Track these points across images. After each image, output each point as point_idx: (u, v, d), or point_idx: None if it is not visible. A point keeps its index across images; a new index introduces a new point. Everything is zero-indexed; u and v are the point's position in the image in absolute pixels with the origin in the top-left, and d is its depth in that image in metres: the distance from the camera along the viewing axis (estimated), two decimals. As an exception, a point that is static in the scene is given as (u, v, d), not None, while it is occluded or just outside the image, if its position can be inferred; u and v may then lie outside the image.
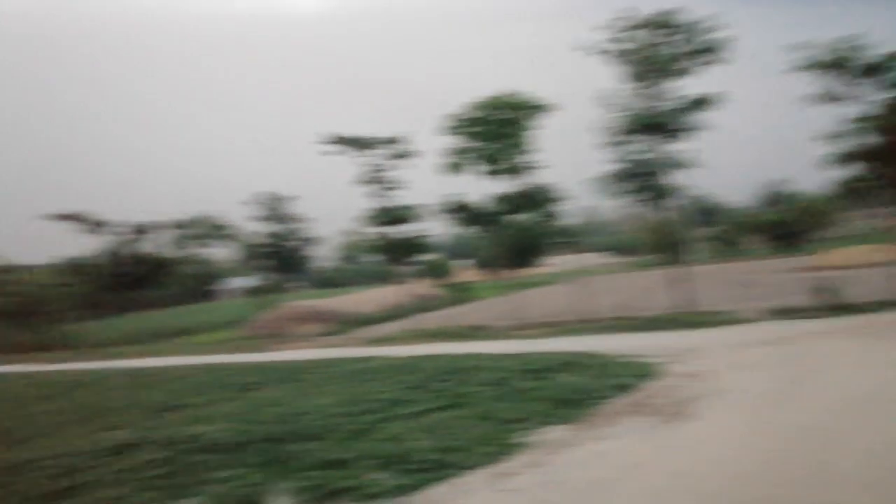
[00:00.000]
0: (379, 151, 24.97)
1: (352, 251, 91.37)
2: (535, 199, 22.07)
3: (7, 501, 6.68)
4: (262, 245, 26.78)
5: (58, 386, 16.33)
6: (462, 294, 32.00)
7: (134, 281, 29.77)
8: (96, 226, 29.85)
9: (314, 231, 29.03)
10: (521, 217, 22.98)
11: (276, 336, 23.86)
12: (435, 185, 24.21)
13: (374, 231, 25.81)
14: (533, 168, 21.95)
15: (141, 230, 30.01)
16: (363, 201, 25.16)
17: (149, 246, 31.00)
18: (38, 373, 21.53)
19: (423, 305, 27.79)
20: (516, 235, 24.20)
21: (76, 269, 32.54)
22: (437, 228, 27.00)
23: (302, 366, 14.69)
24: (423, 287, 30.08)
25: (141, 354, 23.57)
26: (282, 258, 26.28)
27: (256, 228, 28.65)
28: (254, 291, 35.83)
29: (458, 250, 65.00)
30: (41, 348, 32.62)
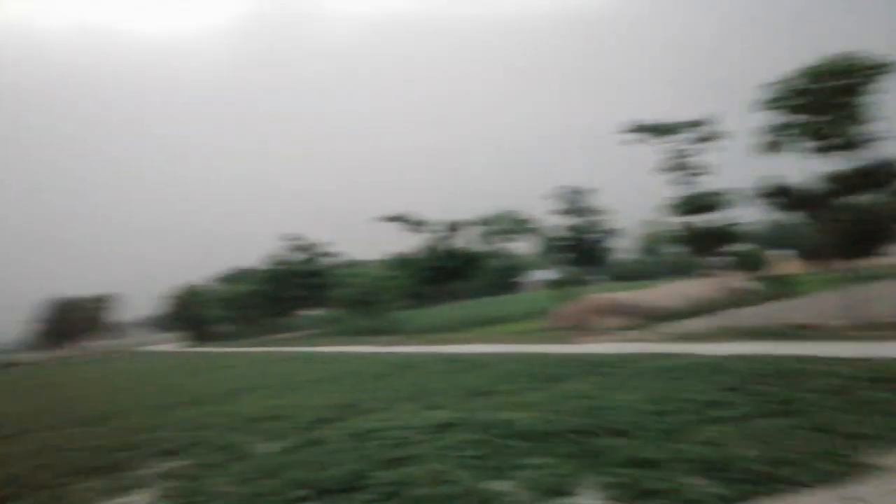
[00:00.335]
0: (682, 136, 23.48)
1: (653, 243, 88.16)
2: (876, 177, 18.57)
3: (356, 464, 7.63)
4: (562, 238, 27.10)
5: (390, 366, 18.55)
6: (782, 288, 28.53)
7: (448, 273, 32.61)
8: (417, 225, 33.32)
9: (614, 223, 28.53)
10: (859, 199, 19.55)
11: (577, 328, 23.98)
12: (747, 168, 21.93)
13: (678, 221, 24.36)
14: (874, 140, 18.49)
15: (454, 227, 32.71)
16: (665, 190, 23.95)
17: (460, 241, 33.65)
18: (374, 354, 24.80)
19: (735, 300, 25.38)
20: (852, 220, 20.66)
21: (402, 263, 36.77)
22: (751, 215, 24.45)
23: (606, 359, 14.43)
24: (735, 280, 27.47)
25: (455, 341, 25.66)
26: (582, 251, 26.31)
27: (557, 222, 29.13)
28: (555, 283, 36.60)
29: (776, 239, 58.30)
30: (374, 332, 37.65)
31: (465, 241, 34.54)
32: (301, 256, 43.88)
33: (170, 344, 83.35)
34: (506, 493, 6.36)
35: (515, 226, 44.34)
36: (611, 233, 28.16)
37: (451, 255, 32.91)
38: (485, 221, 41.96)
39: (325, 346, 34.52)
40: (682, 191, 23.34)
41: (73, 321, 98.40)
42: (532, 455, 7.55)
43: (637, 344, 17.74)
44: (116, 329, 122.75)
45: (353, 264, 46.04)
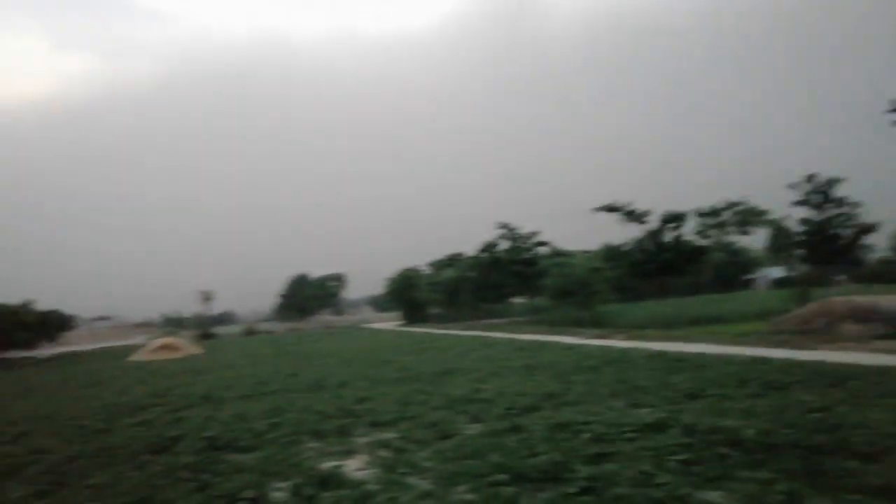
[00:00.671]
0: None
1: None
2: None
3: (557, 455, 7.55)
4: (800, 232, 24.16)
5: (594, 359, 18.12)
6: None
7: (662, 267, 30.94)
8: (632, 216, 32.04)
9: (865, 217, 24.76)
10: None
11: (808, 333, 21.39)
12: None
13: None
14: None
15: (672, 219, 30.90)
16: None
17: (680, 234, 31.64)
18: (579, 346, 24.42)
19: None
20: None
21: (612, 255, 35.73)
22: None
23: (845, 370, 12.70)
24: None
25: (666, 339, 24.32)
26: (823, 247, 23.23)
27: (796, 214, 25.97)
28: (785, 282, 33.04)
29: None
30: (580, 324, 37.07)
31: (685, 234, 32.40)
32: (511, 245, 44.52)
33: (386, 322, 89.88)
34: (716, 505, 5.84)
35: (745, 218, 40.66)
36: (861, 228, 24.43)
37: (667, 247, 31.12)
38: (709, 213, 39.06)
39: (531, 334, 34.76)
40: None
41: (307, 297, 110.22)
42: (748, 467, 6.87)
43: (887, 356, 15.35)
44: (343, 306, 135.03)
45: (562, 254, 45.70)
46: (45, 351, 69.06)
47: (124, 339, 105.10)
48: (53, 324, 65.27)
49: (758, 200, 35.59)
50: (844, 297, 25.19)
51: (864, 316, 22.15)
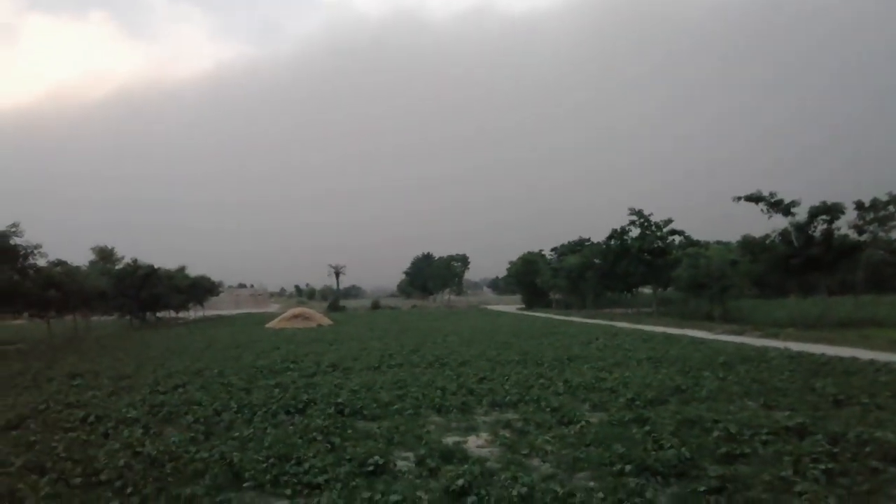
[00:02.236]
0: None
1: None
2: None
3: (685, 451, 7.27)
4: None
5: (727, 355, 17.18)
6: None
7: (810, 263, 28.58)
8: (777, 205, 29.81)
9: None
10: None
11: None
12: None
13: None
14: None
15: (825, 210, 28.32)
16: None
17: (832, 227, 28.97)
18: (710, 341, 23.25)
19: None
20: None
21: (752, 247, 33.47)
22: None
23: None
24: None
25: (809, 339, 22.59)
26: None
27: None
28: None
29: None
30: (712, 318, 35.22)
31: (838, 228, 29.61)
32: (642, 232, 42.91)
33: (506, 306, 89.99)
34: (864, 521, 5.39)
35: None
36: None
37: (816, 242, 28.65)
38: (870, 206, 35.57)
39: (658, 326, 33.53)
40: None
41: (431, 276, 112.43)
42: (903, 484, 6.28)
43: None
44: (465, 287, 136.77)
45: (696, 245, 43.45)
46: (194, 313, 75.55)
47: (262, 307, 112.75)
48: (203, 289, 71.14)
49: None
50: None
51: None
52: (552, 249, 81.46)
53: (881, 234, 36.00)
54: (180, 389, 13.84)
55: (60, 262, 42.96)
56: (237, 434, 9.13)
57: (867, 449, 7.17)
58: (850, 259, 31.57)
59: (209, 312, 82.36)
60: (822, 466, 6.56)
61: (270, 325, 45.05)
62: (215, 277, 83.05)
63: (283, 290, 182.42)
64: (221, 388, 13.81)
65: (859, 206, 35.04)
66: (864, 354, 17.22)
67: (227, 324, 52.83)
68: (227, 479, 7.04)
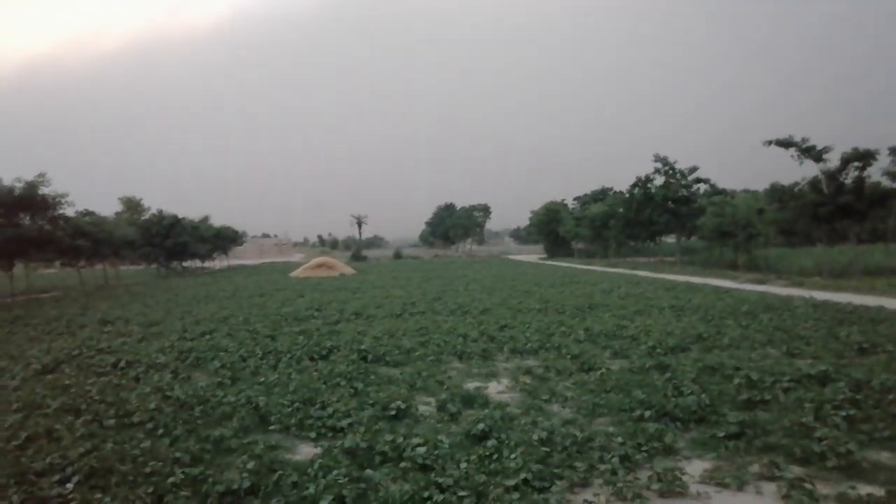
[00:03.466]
0: None
1: None
2: None
3: (705, 397, 7.29)
4: None
5: (751, 304, 17.07)
6: None
7: (840, 211, 27.93)
8: (808, 152, 29.00)
9: None
10: None
11: None
12: None
13: None
14: None
15: (858, 156, 27.48)
16: None
17: (865, 174, 28.14)
18: (735, 290, 23.07)
19: None
20: None
21: (781, 195, 32.78)
22: None
23: None
24: None
25: (836, 288, 22.32)
26: None
27: None
28: None
29: None
30: (737, 267, 34.87)
31: (871, 175, 28.75)
32: (667, 180, 42.13)
33: (528, 255, 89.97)
34: (887, 466, 5.39)
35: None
36: None
37: (848, 190, 27.91)
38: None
39: (681, 275, 33.33)
40: None
41: (453, 225, 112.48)
42: (927, 431, 6.25)
43: None
44: (487, 236, 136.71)
45: (722, 193, 42.66)
46: (219, 263, 76.67)
47: (285, 256, 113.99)
48: (227, 238, 72.04)
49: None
50: None
51: None
52: (575, 199, 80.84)
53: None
54: (207, 336, 14.15)
55: (89, 213, 43.66)
56: (263, 379, 9.34)
57: (890, 396, 7.12)
58: (882, 207, 30.82)
59: (234, 262, 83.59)
60: (844, 413, 6.54)
61: (294, 273, 45.60)
62: (239, 228, 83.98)
63: (306, 239, 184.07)
64: (247, 334, 14.09)
65: (894, 151, 34.01)
66: (893, 304, 16.99)
67: (252, 273, 53.59)
68: (253, 421, 7.23)
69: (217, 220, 68.19)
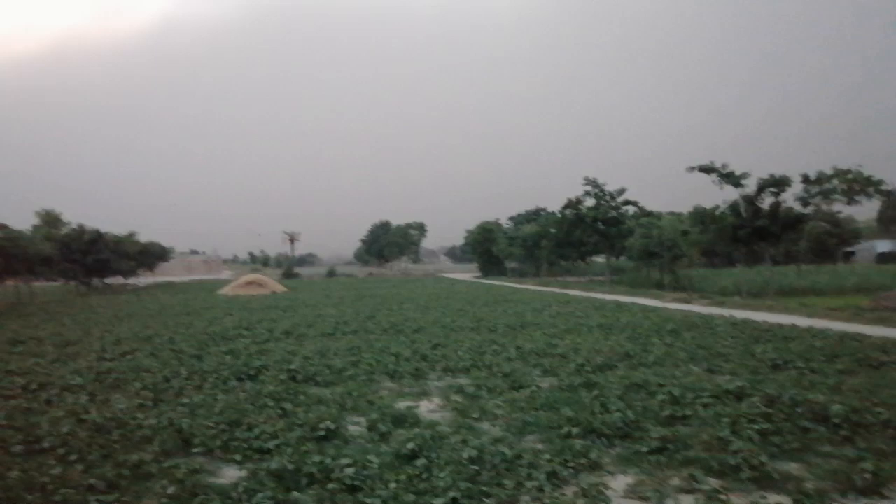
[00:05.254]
0: None
1: None
2: None
3: (630, 414, 7.50)
4: None
5: (674, 322, 17.70)
6: None
7: (757, 233, 29.43)
8: (728, 177, 30.42)
9: None
10: None
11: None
12: None
13: None
14: None
15: (773, 183, 29.05)
16: None
17: (780, 199, 29.76)
18: (659, 308, 23.88)
19: None
20: None
21: (702, 218, 34.24)
22: None
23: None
24: None
25: (752, 307, 23.43)
26: None
27: None
28: (892, 257, 30.94)
29: None
30: (662, 287, 36.12)
31: (785, 200, 30.46)
32: (597, 202, 43.41)
33: (463, 274, 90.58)
34: (795, 477, 5.67)
35: (854, 186, 37.81)
36: None
37: (764, 213, 29.47)
38: (815, 179, 36.64)
39: (610, 294, 34.24)
40: None
41: (388, 243, 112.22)
42: (832, 443, 6.63)
43: None
44: (422, 255, 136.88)
45: (649, 215, 44.28)
46: (144, 279, 73.87)
47: (214, 274, 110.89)
48: (153, 255, 69.51)
49: (876, 170, 33.09)
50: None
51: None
52: (509, 218, 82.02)
53: (824, 206, 37.25)
54: (128, 356, 13.57)
55: (1, 226, 41.29)
56: (187, 400, 9.01)
57: (799, 410, 7.51)
58: (794, 230, 32.60)
59: (159, 279, 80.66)
60: (757, 427, 6.85)
61: (223, 291, 44.40)
62: (167, 244, 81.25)
63: (236, 257, 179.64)
64: (171, 354, 13.59)
65: (805, 179, 36.11)
66: (803, 322, 17.94)
67: (179, 290, 51.86)
68: (175, 444, 6.96)
69: (144, 236, 65.80)
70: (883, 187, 31.90)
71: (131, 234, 60.78)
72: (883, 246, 72.67)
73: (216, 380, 10.56)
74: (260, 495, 5.19)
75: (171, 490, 5.34)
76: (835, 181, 35.78)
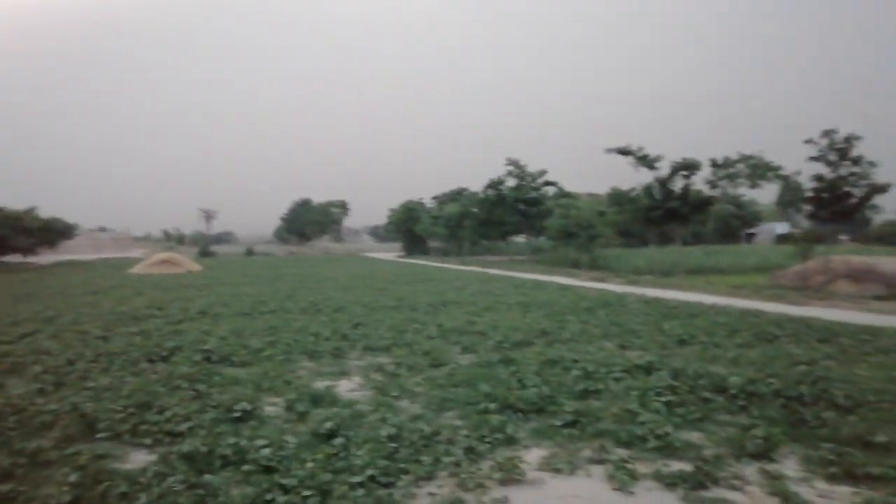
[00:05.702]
0: None
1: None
2: None
3: (545, 389, 7.72)
4: (811, 189, 23.51)
5: (590, 301, 18.29)
6: None
7: (669, 215, 30.76)
8: (644, 160, 31.52)
9: (877, 178, 23.89)
10: None
11: (805, 290, 21.54)
12: None
13: None
14: None
15: (684, 166, 30.40)
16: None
17: (690, 182, 31.16)
18: (576, 287, 24.61)
19: None
20: None
21: (619, 199, 35.46)
22: None
23: (838, 328, 12.85)
24: None
25: (663, 286, 24.52)
26: (832, 205, 22.68)
27: (809, 171, 25.04)
28: (791, 239, 33.01)
29: None
30: (580, 266, 37.23)
31: (695, 183, 31.93)
32: (518, 182, 44.07)
33: (386, 253, 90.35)
34: (696, 445, 6.01)
35: (756, 171, 40.18)
36: (872, 189, 23.59)
37: (676, 196, 30.80)
38: (722, 164, 38.65)
39: (530, 273, 34.98)
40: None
41: (309, 222, 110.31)
42: (729, 412, 7.07)
43: (882, 316, 15.51)
44: (344, 234, 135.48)
45: (568, 195, 45.41)
46: (46, 258, 69.68)
47: (124, 252, 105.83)
48: (55, 231, 65.60)
49: (776, 156, 35.13)
50: (843, 256, 25.23)
51: (861, 276, 22.26)
52: (433, 198, 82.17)
53: (730, 189, 39.34)
54: (27, 338, 12.80)
55: None
56: (92, 384, 8.59)
57: (701, 382, 7.95)
58: (702, 212, 34.30)
59: (63, 257, 76.33)
60: (664, 399, 7.21)
61: (134, 270, 42.49)
62: (72, 219, 76.79)
63: (148, 234, 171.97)
64: (75, 336, 12.90)
65: (713, 163, 38.01)
66: (708, 299, 18.94)
67: (85, 269, 49.21)
68: (79, 430, 6.64)
69: (47, 212, 61.96)
70: (779, 172, 33.94)
71: (31, 210, 57.18)
72: (781, 228, 77.67)
73: (125, 362, 10.12)
74: (171, 479, 5.03)
75: (73, 478, 5.10)
76: (739, 165, 37.88)
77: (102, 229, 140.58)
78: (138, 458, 5.90)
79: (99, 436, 6.49)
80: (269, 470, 5.35)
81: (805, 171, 24.42)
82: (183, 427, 6.55)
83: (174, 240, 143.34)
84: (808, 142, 22.71)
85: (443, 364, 9.73)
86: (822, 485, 5.13)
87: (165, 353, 10.79)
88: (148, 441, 6.32)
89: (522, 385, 8.00)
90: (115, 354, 10.64)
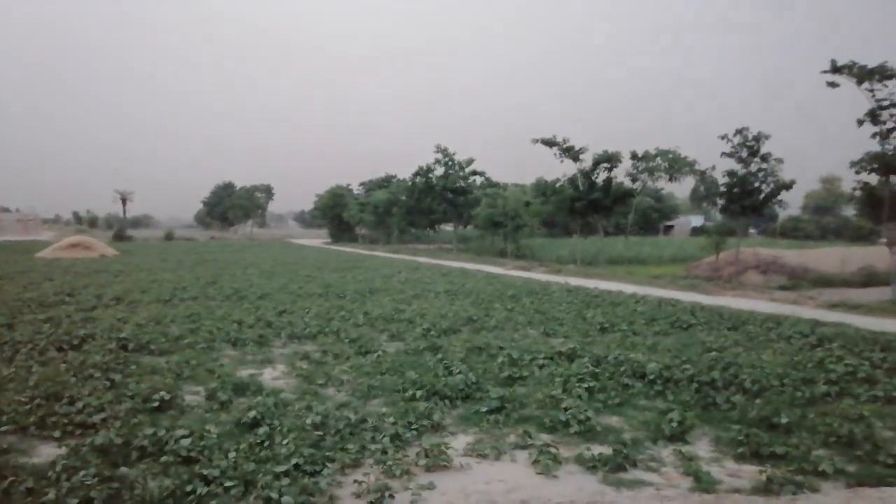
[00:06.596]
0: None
1: (827, 202, 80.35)
2: None
3: (472, 375, 7.80)
4: (722, 184, 24.59)
5: (515, 289, 18.60)
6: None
7: (592, 206, 31.52)
8: (568, 152, 32.14)
9: (784, 174, 25.21)
10: None
11: (717, 280, 22.62)
12: None
13: (863, 180, 21.24)
14: None
15: (607, 159, 31.18)
16: (858, 144, 20.96)
17: (612, 175, 32.01)
18: (501, 276, 24.96)
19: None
20: None
21: (544, 190, 36.04)
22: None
23: (746, 316, 13.57)
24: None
25: (586, 275, 25.20)
26: (742, 200, 23.81)
27: (721, 167, 26.14)
28: (703, 231, 34.54)
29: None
30: (505, 255, 37.80)
31: (617, 176, 32.87)
32: (446, 171, 44.11)
33: (312, 239, 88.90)
34: (616, 429, 6.23)
35: (673, 165, 41.78)
36: (778, 185, 24.90)
37: (598, 187, 31.59)
38: (642, 157, 39.95)
39: (457, 261, 35.24)
40: (877, 146, 20.12)
41: (232, 206, 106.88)
42: (647, 397, 7.38)
43: (783, 305, 16.47)
44: (269, 219, 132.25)
45: (495, 185, 45.87)
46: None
47: (31, 234, 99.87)
48: (-47, 212, 61.09)
49: (694, 151, 36.67)
50: (752, 249, 26.63)
51: (767, 268, 23.56)
52: (360, 184, 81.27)
53: (649, 183, 40.73)
54: (-79, 326, 11.90)
55: None
56: (-5, 374, 8.08)
57: (622, 368, 8.24)
58: (624, 203, 35.32)
59: (-37, 239, 71.33)
60: (586, 385, 7.43)
61: (42, 254, 40.16)
62: (-30, 199, 71.66)
63: (58, 216, 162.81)
64: (-24, 323, 12.09)
65: (634, 156, 39.23)
66: (629, 288, 19.61)
67: (-13, 252, 46.11)
68: (-21, 423, 6.23)
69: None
70: (694, 167, 35.44)
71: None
72: (696, 221, 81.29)
73: (31, 350, 9.56)
74: (82, 473, 4.79)
75: (-27, 473, 4.79)
76: (658, 159, 39.20)
77: (6, 210, 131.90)
78: (46, 452, 5.60)
79: (2, 429, 6.12)
80: (189, 461, 5.18)
81: (719, 166, 25.44)
82: (96, 418, 6.25)
83: (86, 222, 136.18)
84: (722, 137, 23.68)
85: (370, 352, 9.69)
86: (731, 464, 5.41)
87: (77, 341, 10.27)
88: (57, 433, 6.00)
89: (449, 372, 8.07)
90: (20, 343, 10.04)
